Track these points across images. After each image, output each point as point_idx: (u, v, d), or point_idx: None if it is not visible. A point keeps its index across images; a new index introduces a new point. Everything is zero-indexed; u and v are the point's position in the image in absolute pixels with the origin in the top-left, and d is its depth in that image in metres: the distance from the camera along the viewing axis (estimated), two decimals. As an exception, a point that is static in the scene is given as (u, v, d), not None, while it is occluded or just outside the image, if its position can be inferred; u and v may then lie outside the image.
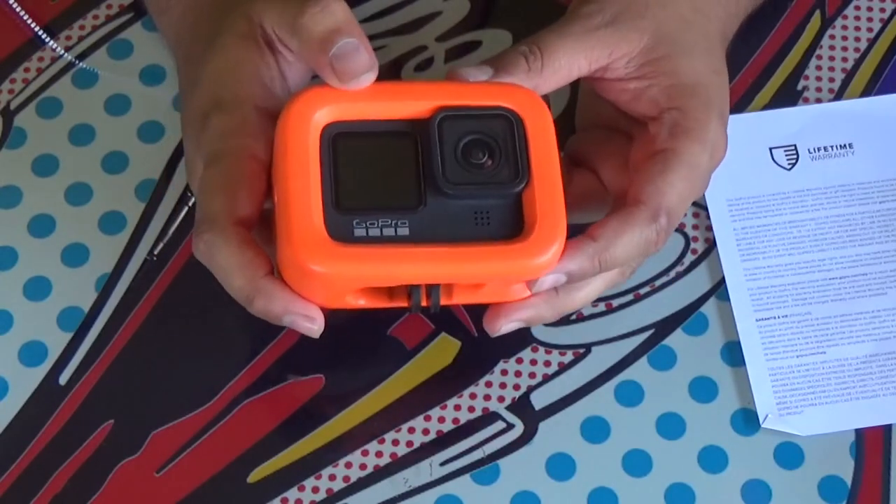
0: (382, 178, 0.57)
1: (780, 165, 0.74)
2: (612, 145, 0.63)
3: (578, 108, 0.69)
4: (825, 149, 0.75)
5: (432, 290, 0.58)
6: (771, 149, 0.75)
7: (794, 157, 0.75)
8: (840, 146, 0.75)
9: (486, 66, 0.60)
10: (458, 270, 0.57)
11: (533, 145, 0.58)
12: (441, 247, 0.56)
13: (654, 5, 0.62)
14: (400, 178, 0.57)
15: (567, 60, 0.60)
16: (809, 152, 0.75)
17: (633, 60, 0.61)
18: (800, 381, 0.69)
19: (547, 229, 0.57)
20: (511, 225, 0.57)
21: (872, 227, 0.73)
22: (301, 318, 0.58)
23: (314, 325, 0.58)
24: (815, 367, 0.70)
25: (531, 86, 0.60)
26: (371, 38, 0.78)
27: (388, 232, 0.56)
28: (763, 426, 0.68)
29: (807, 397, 0.69)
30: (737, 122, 0.75)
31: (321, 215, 0.56)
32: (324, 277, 0.56)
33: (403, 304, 0.59)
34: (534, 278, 0.58)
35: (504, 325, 0.61)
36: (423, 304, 0.58)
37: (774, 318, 0.71)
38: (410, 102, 0.58)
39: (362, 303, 0.59)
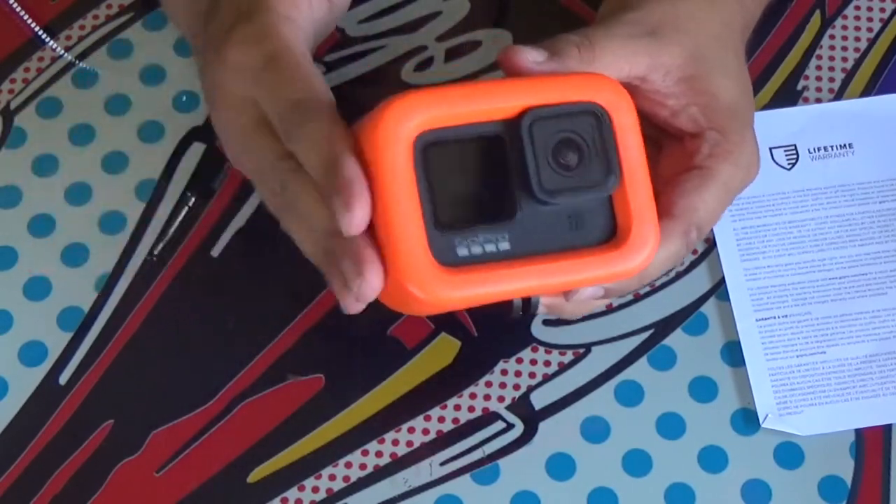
0: (477, 188, 0.56)
1: (780, 165, 0.74)
2: None
3: None
4: (825, 149, 0.75)
5: (532, 296, 0.58)
6: (771, 149, 0.75)
7: (794, 157, 0.75)
8: (840, 146, 0.75)
9: (542, 49, 0.60)
10: (560, 282, 0.56)
11: (621, 142, 0.57)
12: (542, 260, 0.56)
13: (691, 21, 0.62)
14: (494, 186, 0.56)
15: (613, 59, 0.60)
16: (809, 152, 0.75)
17: (671, 75, 0.61)
18: (800, 381, 0.69)
19: (642, 233, 0.57)
20: (604, 228, 0.57)
21: (872, 227, 0.73)
22: (343, 209, 0.54)
23: (346, 215, 0.55)
24: (815, 367, 0.70)
25: None
26: (371, 38, 0.78)
27: (490, 248, 0.56)
28: (763, 426, 0.68)
29: (807, 397, 0.69)
30: (737, 122, 0.75)
31: (424, 238, 0.55)
32: (434, 305, 0.56)
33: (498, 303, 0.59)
34: (626, 279, 0.58)
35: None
36: (522, 310, 0.59)
37: (774, 318, 0.71)
38: (497, 102, 0.56)
39: (459, 308, 0.59)
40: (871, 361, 0.70)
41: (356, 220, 0.54)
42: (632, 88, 0.61)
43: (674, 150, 0.63)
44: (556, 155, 0.56)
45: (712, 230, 0.73)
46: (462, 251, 0.55)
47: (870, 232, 0.73)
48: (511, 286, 0.56)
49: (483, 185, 0.56)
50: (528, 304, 0.58)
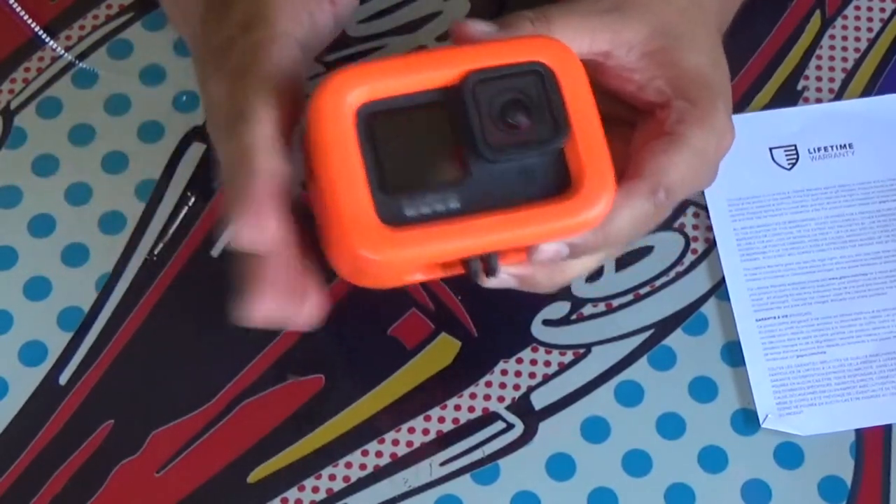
0: (424, 153, 0.56)
1: (780, 165, 0.74)
2: (613, 134, 0.63)
3: None
4: (825, 149, 0.75)
5: (490, 256, 0.57)
6: (771, 149, 0.75)
7: (794, 157, 0.75)
8: (840, 146, 0.75)
9: (493, 23, 0.60)
10: (515, 236, 0.56)
11: (568, 97, 0.56)
12: (493, 214, 0.55)
13: None
14: (441, 149, 0.56)
15: (571, 34, 0.60)
16: (809, 152, 0.75)
17: (635, 50, 0.61)
18: (800, 381, 0.69)
19: (596, 181, 0.56)
20: (558, 181, 0.56)
21: (872, 227, 0.73)
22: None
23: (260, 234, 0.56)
24: (815, 367, 0.70)
25: None
26: (371, 38, 0.78)
27: (439, 207, 0.55)
28: (763, 426, 0.68)
29: (807, 397, 0.69)
30: (737, 122, 0.74)
31: (370, 201, 0.55)
32: (383, 265, 0.55)
33: (459, 272, 0.58)
34: (587, 230, 0.57)
35: (499, 276, 0.59)
36: (482, 271, 0.57)
37: (774, 318, 0.71)
38: (440, 70, 0.56)
39: (419, 277, 0.58)
40: (871, 361, 0.70)
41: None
42: (597, 65, 0.61)
43: (647, 124, 0.62)
44: (502, 115, 0.56)
45: (712, 230, 0.73)
46: (410, 212, 0.55)
47: (870, 232, 0.73)
48: (462, 242, 0.55)
49: (432, 151, 0.56)
50: (488, 265, 0.57)
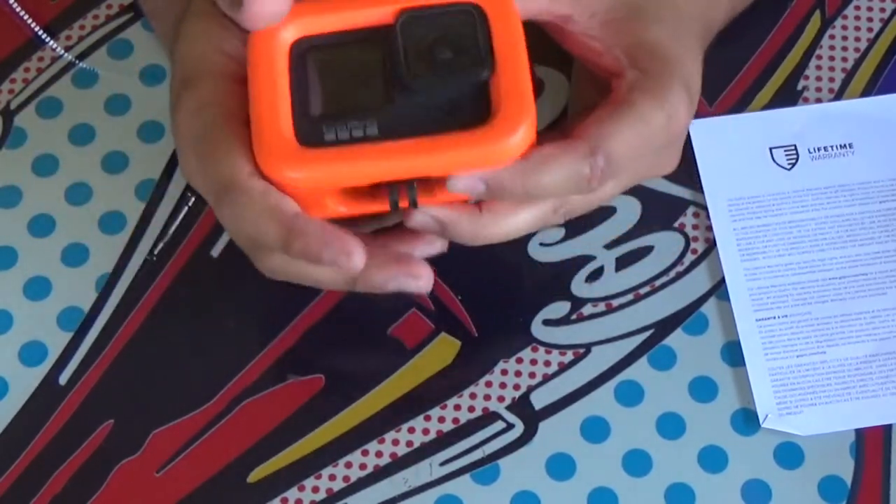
0: (352, 85, 0.58)
1: (780, 165, 0.74)
2: None
3: (570, 98, 0.70)
4: (825, 149, 0.75)
5: (409, 188, 0.58)
6: (771, 149, 0.75)
7: (794, 157, 0.75)
8: (840, 146, 0.75)
9: None
10: (429, 161, 0.57)
11: (497, 36, 0.58)
12: (409, 140, 0.56)
13: None
14: (369, 82, 0.58)
15: None
16: (809, 152, 0.75)
17: (596, 17, 0.61)
18: (800, 381, 0.69)
19: (512, 110, 0.57)
20: (479, 113, 0.57)
21: (872, 227, 0.73)
22: (340, 254, 0.56)
23: (351, 262, 0.56)
24: (815, 367, 0.70)
25: None
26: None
27: (357, 133, 0.57)
28: (763, 426, 0.68)
29: (807, 397, 0.69)
30: (737, 122, 0.75)
31: (290, 125, 0.57)
32: (298, 182, 0.57)
33: (384, 207, 0.59)
34: (504, 163, 0.57)
35: (418, 216, 0.60)
36: (402, 203, 0.58)
37: (774, 318, 0.71)
38: (377, 10, 0.59)
39: (343, 210, 0.59)
40: (871, 361, 0.70)
41: (354, 262, 0.56)
42: (559, 29, 0.62)
43: (606, 98, 0.62)
44: (430, 50, 0.58)
45: (712, 230, 0.73)
46: (329, 135, 0.57)
47: (870, 232, 0.73)
48: (374, 164, 0.56)
49: (360, 83, 0.58)
50: (408, 197, 0.58)
